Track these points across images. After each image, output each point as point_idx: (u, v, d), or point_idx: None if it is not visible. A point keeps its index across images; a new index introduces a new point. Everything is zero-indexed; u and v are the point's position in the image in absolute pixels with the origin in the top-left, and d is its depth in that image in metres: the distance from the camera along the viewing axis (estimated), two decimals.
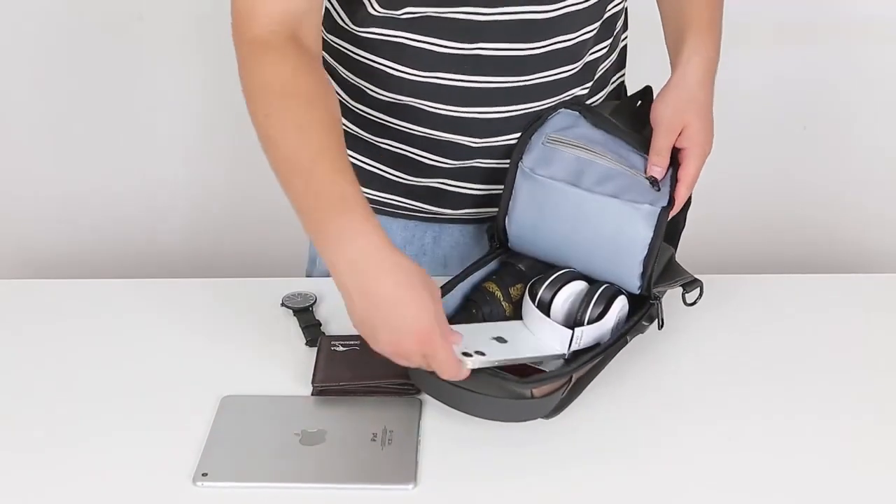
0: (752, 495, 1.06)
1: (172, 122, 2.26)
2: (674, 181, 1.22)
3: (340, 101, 1.33)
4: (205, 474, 1.06)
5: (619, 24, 1.36)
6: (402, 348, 1.05)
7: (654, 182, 1.21)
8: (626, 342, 1.20)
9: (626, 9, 1.38)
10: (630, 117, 1.32)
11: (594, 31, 1.28)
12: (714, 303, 1.29)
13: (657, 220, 1.19)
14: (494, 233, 1.30)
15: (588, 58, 1.30)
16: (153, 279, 1.43)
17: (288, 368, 1.23)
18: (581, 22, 1.26)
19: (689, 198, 1.25)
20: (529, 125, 1.27)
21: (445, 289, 1.22)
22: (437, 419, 1.14)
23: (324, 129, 1.11)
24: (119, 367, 1.24)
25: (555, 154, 1.24)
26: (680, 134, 1.24)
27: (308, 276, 1.50)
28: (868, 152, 2.30)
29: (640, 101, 1.35)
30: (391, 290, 1.04)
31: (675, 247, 1.30)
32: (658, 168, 1.22)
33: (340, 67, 1.33)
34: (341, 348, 1.22)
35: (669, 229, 1.22)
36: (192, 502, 1.05)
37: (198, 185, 2.32)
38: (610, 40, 1.33)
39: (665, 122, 1.24)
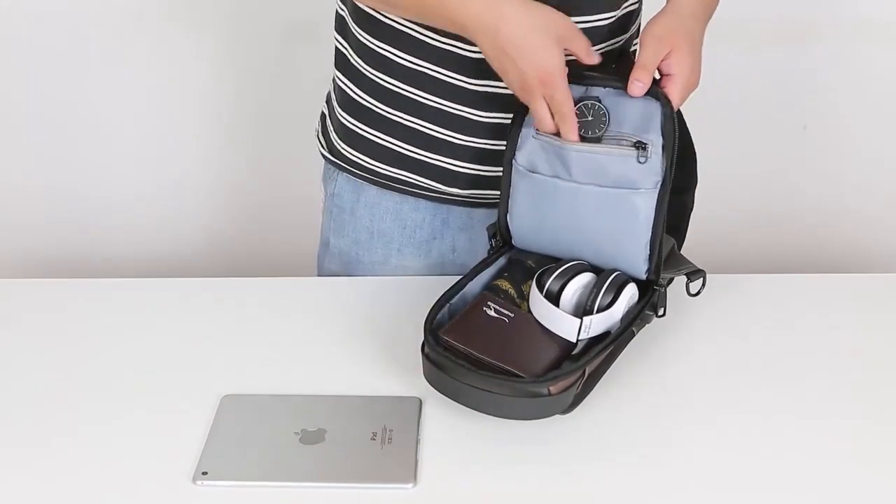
0: (752, 493, 1.06)
1: (171, 122, 2.26)
2: (669, 151, 1.18)
3: (360, 71, 1.36)
4: (205, 473, 1.06)
5: (634, 27, 1.36)
6: (527, 85, 1.17)
7: (640, 147, 1.18)
8: (634, 334, 1.20)
9: (641, 16, 1.39)
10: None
11: (610, 21, 1.29)
12: (714, 302, 1.30)
13: (657, 200, 1.19)
14: (497, 231, 1.31)
15: (601, 48, 1.30)
16: (153, 279, 1.43)
17: (288, 368, 1.23)
18: (597, 6, 1.27)
19: (696, 177, 1.24)
20: (516, 116, 1.26)
21: (454, 289, 1.23)
22: (436, 418, 1.14)
23: None
24: (119, 366, 1.24)
25: (545, 147, 1.23)
26: (666, 59, 1.19)
27: (319, 261, 1.51)
28: (868, 152, 2.30)
29: (615, 64, 1.34)
30: (521, 34, 1.16)
31: (685, 228, 1.28)
32: (640, 84, 1.18)
33: (364, 34, 1.34)
34: (493, 313, 1.19)
35: (678, 210, 1.20)
36: (192, 501, 1.05)
37: (198, 185, 2.33)
38: (625, 36, 1.33)
39: (653, 40, 1.20)
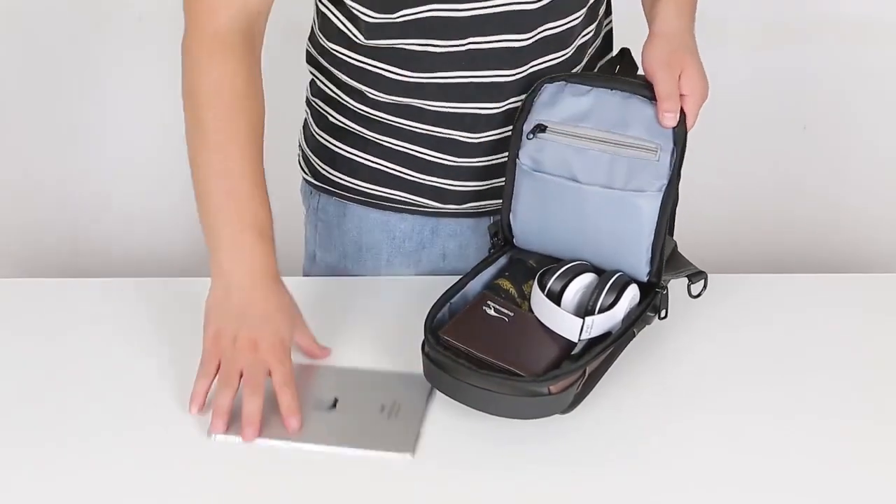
0: (752, 493, 1.06)
1: (171, 122, 2.26)
2: (679, 155, 1.19)
3: (343, 103, 1.35)
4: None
5: (602, 9, 1.37)
6: (260, 344, 1.14)
7: (648, 150, 1.18)
8: (634, 335, 1.20)
9: (612, 30, 1.40)
10: None
11: (581, 17, 1.29)
12: (714, 302, 1.29)
13: (661, 202, 1.19)
14: (498, 230, 1.30)
15: (577, 42, 1.31)
16: (153, 279, 1.43)
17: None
18: (569, 8, 1.27)
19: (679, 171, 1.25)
20: (518, 117, 1.26)
21: (455, 289, 1.23)
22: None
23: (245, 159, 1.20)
24: (119, 366, 1.24)
25: (547, 146, 1.23)
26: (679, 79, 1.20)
27: (305, 275, 1.51)
28: (868, 152, 2.30)
29: (618, 66, 1.34)
30: (263, 305, 1.18)
31: (672, 223, 1.29)
32: (671, 114, 1.18)
33: (338, 72, 1.34)
34: (493, 312, 1.20)
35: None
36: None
37: None
38: (595, 24, 1.34)
39: (663, 65, 1.21)
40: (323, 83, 1.37)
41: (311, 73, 1.40)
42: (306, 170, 1.46)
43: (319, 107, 1.39)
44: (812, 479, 1.08)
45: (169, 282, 1.44)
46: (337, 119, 1.37)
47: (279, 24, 2.13)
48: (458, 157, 1.34)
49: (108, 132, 2.26)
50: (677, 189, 1.26)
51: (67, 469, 1.09)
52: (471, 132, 1.31)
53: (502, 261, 1.29)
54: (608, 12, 1.41)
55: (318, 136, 1.41)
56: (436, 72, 1.27)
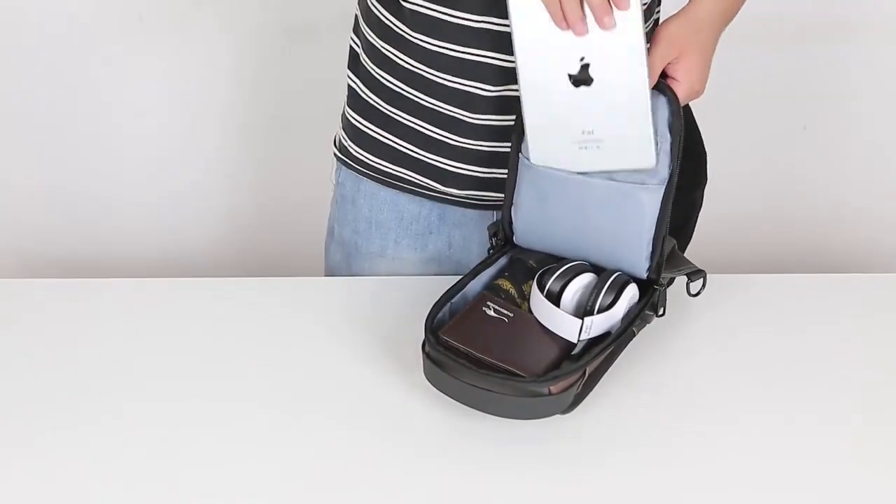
0: (752, 493, 1.06)
1: (170, 123, 2.27)
2: (676, 148, 1.18)
3: (368, 70, 1.38)
4: None
5: (647, 25, 1.37)
6: None
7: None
8: (634, 334, 1.20)
9: (658, 20, 1.39)
10: None
11: None
12: (713, 302, 1.30)
13: (662, 196, 1.18)
14: (499, 229, 1.31)
15: None
16: (153, 279, 1.43)
17: (288, 368, 1.24)
18: None
19: (706, 175, 1.23)
20: (519, 114, 1.25)
21: (455, 289, 1.23)
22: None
23: None
24: (120, 366, 1.24)
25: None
26: (674, 64, 1.19)
27: (326, 248, 1.53)
28: (868, 152, 2.30)
29: None
30: None
31: (693, 226, 1.27)
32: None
33: (373, 35, 1.36)
34: (492, 313, 1.21)
35: (686, 208, 1.19)
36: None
37: (199, 186, 2.33)
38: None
39: (665, 41, 1.20)
40: (359, 50, 1.40)
41: (351, 41, 1.43)
42: (336, 143, 1.49)
43: (350, 80, 1.43)
44: (811, 478, 1.08)
45: (170, 282, 1.44)
46: (361, 90, 1.40)
47: (279, 24, 2.13)
48: (460, 136, 1.34)
49: (110, 132, 2.26)
50: (702, 194, 1.25)
51: (68, 469, 1.09)
52: (474, 112, 1.32)
53: (502, 261, 1.30)
54: (654, 24, 1.41)
55: (346, 111, 1.45)
56: (448, 42, 1.27)
